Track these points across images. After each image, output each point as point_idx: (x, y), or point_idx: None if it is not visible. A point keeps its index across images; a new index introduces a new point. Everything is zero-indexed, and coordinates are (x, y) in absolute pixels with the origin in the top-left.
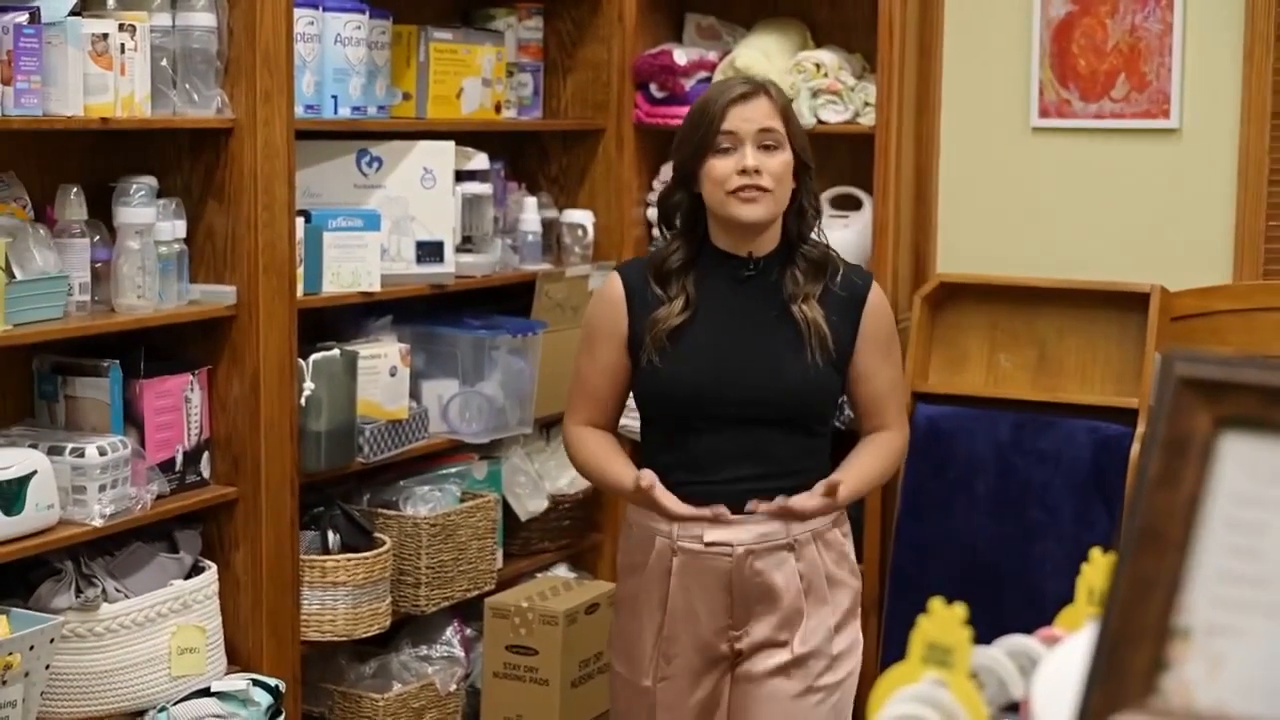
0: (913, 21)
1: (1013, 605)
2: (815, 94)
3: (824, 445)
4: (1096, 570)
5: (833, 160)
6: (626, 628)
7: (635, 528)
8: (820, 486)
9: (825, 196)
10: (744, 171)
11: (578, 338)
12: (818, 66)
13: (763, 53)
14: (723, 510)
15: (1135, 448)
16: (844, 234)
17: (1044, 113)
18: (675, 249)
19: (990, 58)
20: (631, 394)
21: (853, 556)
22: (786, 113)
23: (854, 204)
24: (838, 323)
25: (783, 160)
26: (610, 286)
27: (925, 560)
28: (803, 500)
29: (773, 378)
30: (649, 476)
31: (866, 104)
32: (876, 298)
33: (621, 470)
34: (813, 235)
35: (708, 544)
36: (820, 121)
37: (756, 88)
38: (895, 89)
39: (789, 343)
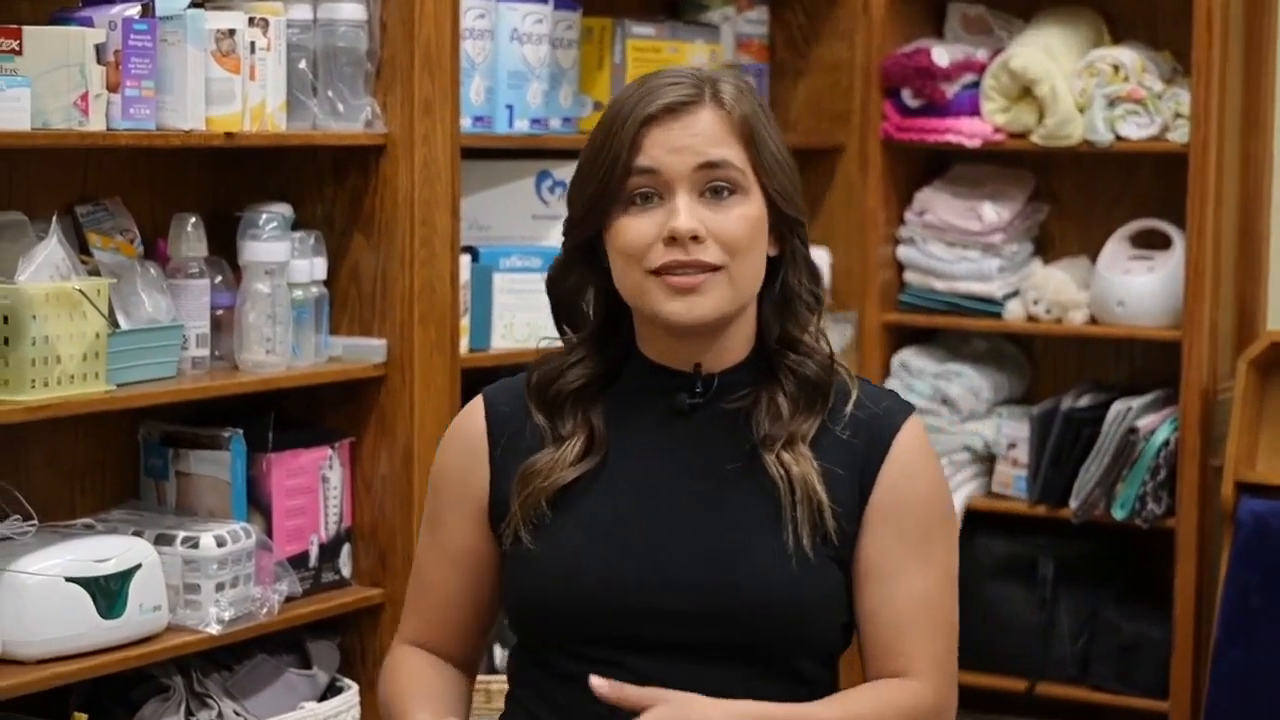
0: (1237, 12)
1: None
2: (1112, 103)
3: (823, 695)
4: None
5: (1134, 186)
6: None
7: None
8: None
9: (1123, 232)
10: (673, 240)
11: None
12: (1116, 69)
13: (1045, 50)
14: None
15: None
16: (1146, 280)
17: None
18: (576, 361)
19: None
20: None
21: None
22: (751, 128)
23: (1161, 242)
24: (844, 483)
25: (741, 215)
26: (466, 421)
27: (1250, 695)
28: None
29: (728, 576)
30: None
31: (1178, 116)
32: (910, 442)
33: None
34: (807, 336)
35: None
36: (1119, 137)
37: (697, 89)
38: (1215, 97)
39: (757, 518)
